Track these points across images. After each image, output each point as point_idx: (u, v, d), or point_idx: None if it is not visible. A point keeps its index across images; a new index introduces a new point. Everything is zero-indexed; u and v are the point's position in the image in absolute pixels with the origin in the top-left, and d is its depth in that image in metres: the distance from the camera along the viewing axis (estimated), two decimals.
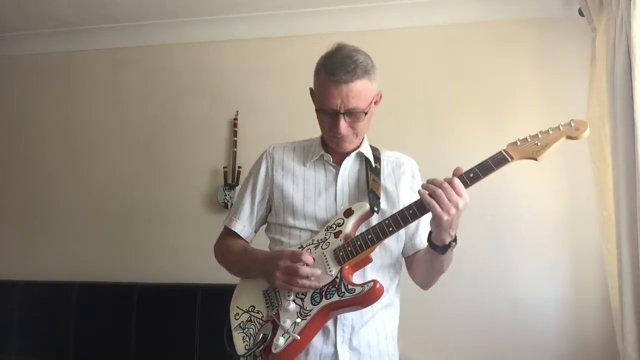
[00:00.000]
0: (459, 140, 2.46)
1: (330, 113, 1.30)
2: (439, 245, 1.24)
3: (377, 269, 1.34)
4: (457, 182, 1.17)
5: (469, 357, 2.34)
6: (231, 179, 2.64)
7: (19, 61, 3.00)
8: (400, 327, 1.45)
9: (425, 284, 1.44)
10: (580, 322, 2.29)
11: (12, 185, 2.92)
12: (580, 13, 2.26)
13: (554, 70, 2.44)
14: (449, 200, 1.15)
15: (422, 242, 1.39)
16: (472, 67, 2.51)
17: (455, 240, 1.25)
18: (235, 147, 2.67)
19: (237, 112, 2.69)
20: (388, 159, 1.47)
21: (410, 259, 1.43)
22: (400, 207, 1.35)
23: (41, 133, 2.92)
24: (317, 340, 1.29)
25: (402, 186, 1.41)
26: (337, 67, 1.27)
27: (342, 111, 1.29)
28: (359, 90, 1.28)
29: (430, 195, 1.17)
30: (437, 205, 1.15)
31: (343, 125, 1.30)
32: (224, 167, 2.66)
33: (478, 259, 2.37)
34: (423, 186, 1.20)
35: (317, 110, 1.35)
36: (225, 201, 2.60)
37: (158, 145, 2.79)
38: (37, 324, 2.58)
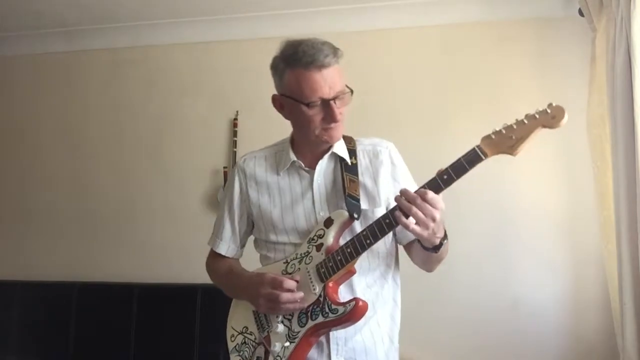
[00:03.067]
0: (458, 140, 2.43)
1: (320, 104, 1.23)
2: (430, 247, 1.21)
3: (365, 272, 1.30)
4: (431, 195, 1.11)
5: (469, 357, 2.34)
6: None
7: (19, 61, 3.00)
8: (400, 328, 1.44)
9: (427, 269, 1.39)
10: (580, 322, 2.29)
11: (12, 185, 2.92)
12: (580, 13, 2.26)
13: (554, 70, 2.44)
14: (425, 215, 1.10)
15: None
16: (472, 67, 2.51)
17: (446, 237, 1.20)
18: (235, 147, 2.67)
19: (237, 112, 2.69)
20: (364, 148, 1.38)
21: (407, 247, 1.38)
22: (382, 203, 1.31)
23: (41, 133, 2.92)
24: (312, 353, 1.26)
25: (381, 179, 1.33)
26: (313, 54, 1.20)
27: (331, 97, 1.22)
28: (339, 71, 1.24)
29: (405, 214, 1.11)
30: (416, 227, 1.11)
31: (337, 111, 1.23)
32: (224, 167, 2.65)
33: (478, 259, 2.37)
34: (397, 200, 1.14)
35: (300, 108, 1.24)
36: None
37: (158, 146, 2.79)
38: (37, 324, 2.58)
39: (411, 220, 1.12)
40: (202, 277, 2.43)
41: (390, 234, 1.33)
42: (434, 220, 1.11)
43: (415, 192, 1.13)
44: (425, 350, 2.31)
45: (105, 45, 2.90)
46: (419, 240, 1.22)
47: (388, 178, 1.34)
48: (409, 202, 1.12)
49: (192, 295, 2.46)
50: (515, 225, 2.39)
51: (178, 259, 2.64)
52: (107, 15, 2.73)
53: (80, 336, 2.53)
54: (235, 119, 2.69)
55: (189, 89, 2.79)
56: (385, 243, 1.34)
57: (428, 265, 1.35)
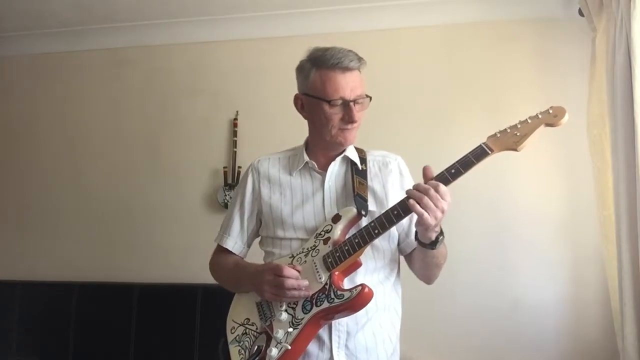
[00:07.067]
0: (459, 140, 2.45)
1: (340, 104, 1.31)
2: (427, 243, 1.26)
3: (370, 271, 1.33)
4: (443, 188, 1.18)
5: (468, 357, 2.34)
6: (231, 179, 2.64)
7: (19, 61, 3.00)
8: (401, 328, 1.44)
9: (427, 279, 1.43)
10: (580, 322, 2.29)
11: (12, 185, 2.91)
12: (580, 13, 2.26)
13: (554, 70, 2.44)
14: (436, 206, 1.17)
15: None
16: (472, 67, 2.51)
17: (442, 233, 1.27)
18: (235, 147, 2.67)
19: (237, 112, 2.69)
20: (374, 158, 1.45)
21: (408, 257, 1.44)
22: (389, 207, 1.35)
23: (41, 133, 2.92)
24: (313, 347, 1.28)
25: (390, 186, 1.40)
26: (340, 57, 1.30)
27: (351, 99, 1.31)
28: (361, 77, 1.34)
29: (417, 202, 1.17)
30: (425, 213, 1.17)
31: (356, 113, 1.32)
32: (224, 167, 2.66)
33: (478, 259, 2.37)
34: (409, 193, 1.20)
35: (321, 106, 1.31)
36: (225, 201, 2.60)
37: (158, 146, 2.79)
38: (37, 324, 2.58)
39: (423, 211, 1.17)
40: (202, 277, 2.44)
41: (395, 242, 1.40)
42: (442, 211, 1.18)
43: (428, 184, 1.19)
44: (424, 349, 2.31)
45: (105, 45, 2.90)
46: (417, 238, 1.28)
47: (397, 187, 1.41)
48: (420, 192, 1.18)
49: (192, 295, 2.46)
50: (515, 225, 2.39)
51: (178, 259, 2.64)
52: (107, 15, 2.73)
53: (80, 336, 2.53)
54: (235, 119, 2.69)
55: (189, 89, 2.79)
56: (390, 245, 1.38)
57: (427, 269, 1.39)
